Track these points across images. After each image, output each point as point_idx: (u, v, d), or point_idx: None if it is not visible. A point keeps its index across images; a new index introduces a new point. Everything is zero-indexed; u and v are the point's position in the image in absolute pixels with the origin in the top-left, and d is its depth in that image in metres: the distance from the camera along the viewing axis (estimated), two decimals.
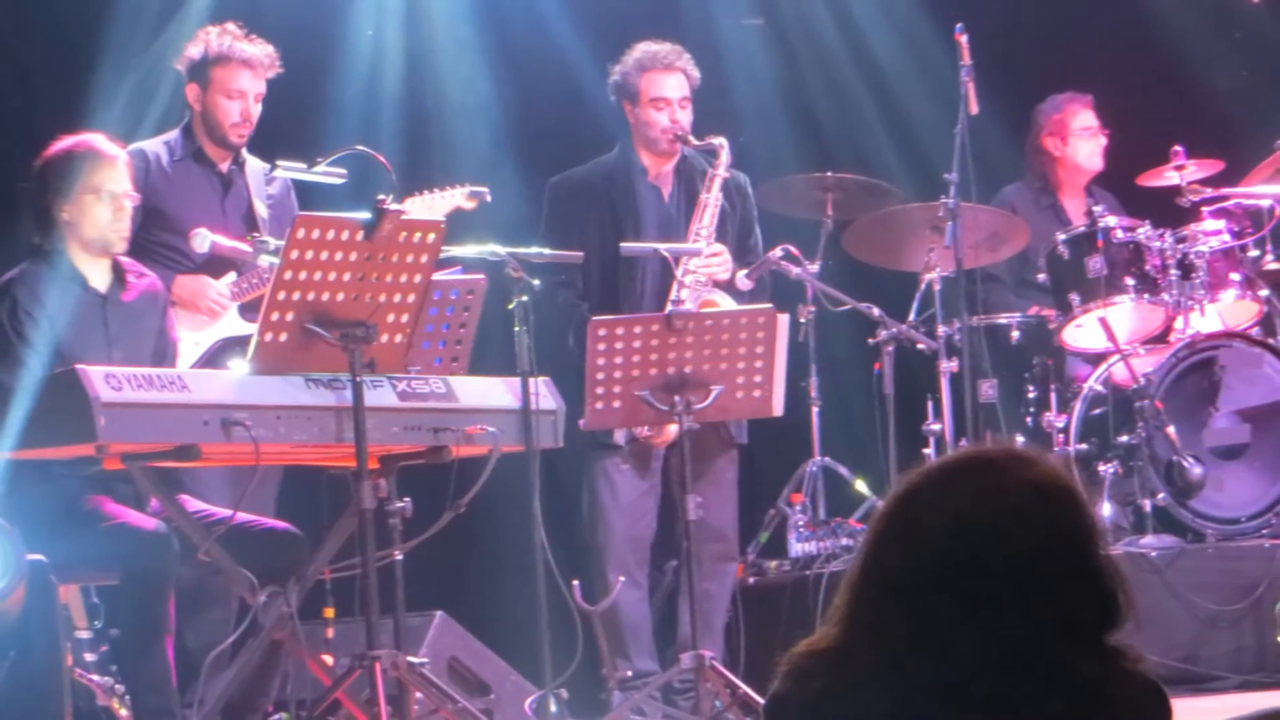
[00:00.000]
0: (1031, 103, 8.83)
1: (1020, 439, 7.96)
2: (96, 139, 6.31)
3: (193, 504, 6.10)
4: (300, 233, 5.82)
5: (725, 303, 7.40)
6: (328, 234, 5.84)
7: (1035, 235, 8.34)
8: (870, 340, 8.11)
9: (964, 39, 7.94)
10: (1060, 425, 8.03)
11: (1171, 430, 7.86)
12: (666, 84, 7.60)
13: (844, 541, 8.01)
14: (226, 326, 6.90)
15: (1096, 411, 8.01)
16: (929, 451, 7.94)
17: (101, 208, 6.17)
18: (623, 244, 7.38)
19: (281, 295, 5.82)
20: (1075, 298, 8.06)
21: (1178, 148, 8.27)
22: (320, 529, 6.18)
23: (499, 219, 7.36)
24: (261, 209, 7.14)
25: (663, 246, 7.39)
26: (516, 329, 6.27)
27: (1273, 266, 8.16)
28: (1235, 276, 8.09)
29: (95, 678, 6.59)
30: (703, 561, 7.12)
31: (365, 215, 5.87)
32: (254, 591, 5.92)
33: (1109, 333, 8.02)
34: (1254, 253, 8.11)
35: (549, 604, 6.28)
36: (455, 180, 7.15)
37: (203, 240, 6.88)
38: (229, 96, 7.07)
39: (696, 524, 6.88)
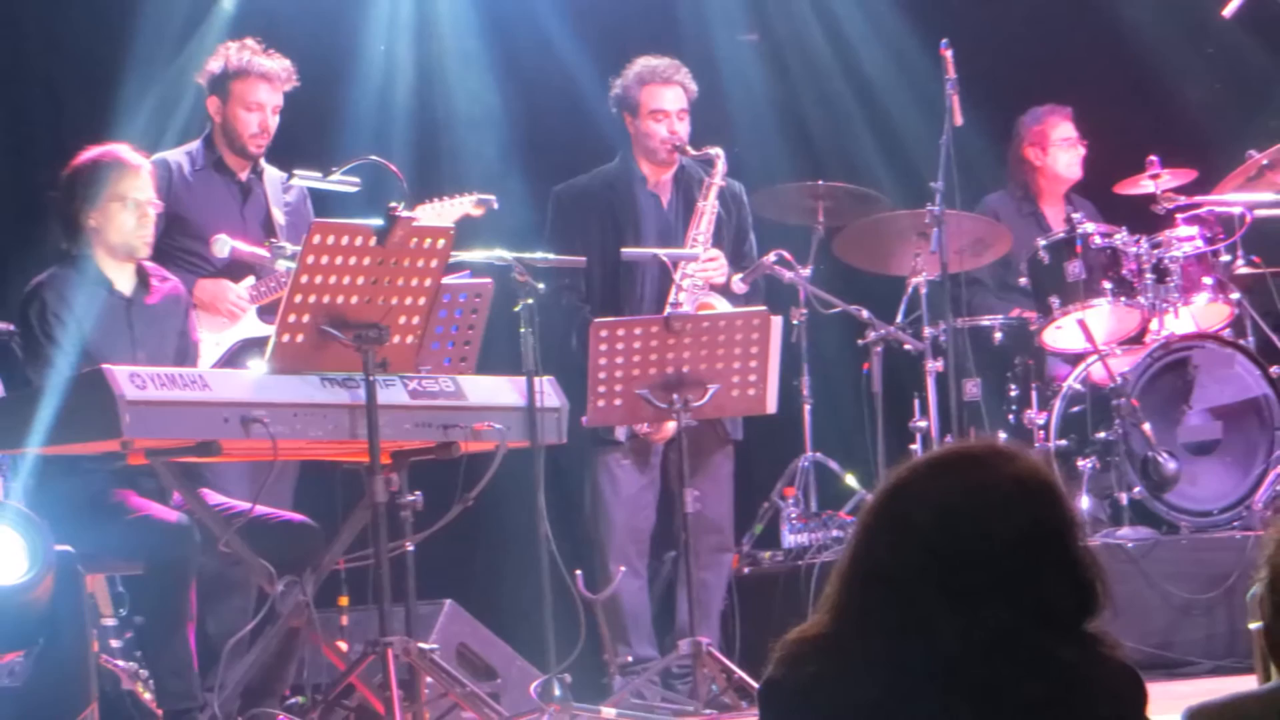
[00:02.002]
0: (1013, 115, 8.83)
1: (1003, 435, 7.95)
2: (122, 149, 6.31)
3: (213, 497, 6.10)
4: (316, 239, 5.82)
5: (721, 305, 7.40)
6: (342, 240, 5.84)
7: (1017, 241, 8.34)
8: (859, 341, 8.12)
9: (949, 54, 7.94)
10: (1041, 422, 8.03)
11: (1147, 427, 7.86)
12: (665, 97, 7.60)
13: (835, 533, 8.01)
14: (246, 328, 6.90)
15: (1075, 409, 8.01)
16: (915, 447, 7.94)
17: (127, 215, 6.17)
18: (623, 249, 7.38)
19: (298, 298, 5.82)
20: (1055, 300, 8.06)
21: (1153, 157, 8.27)
22: (335, 521, 6.18)
23: (505, 225, 7.36)
24: (279, 216, 7.14)
25: (662, 252, 7.39)
26: (522, 330, 6.27)
27: (1244, 271, 8.15)
28: (1208, 280, 8.09)
29: (120, 663, 6.59)
30: (700, 552, 7.12)
31: (378, 222, 5.87)
32: (272, 581, 5.92)
33: (1087, 334, 8.02)
34: (1225, 258, 8.10)
35: (553, 593, 6.28)
36: (464, 189, 7.15)
37: (223, 246, 6.89)
38: (248, 109, 7.07)
39: (694, 516, 6.89)
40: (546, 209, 7.74)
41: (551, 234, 7.60)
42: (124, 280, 6.24)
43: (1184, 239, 8.06)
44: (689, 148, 7.57)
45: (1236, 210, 8.08)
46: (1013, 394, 8.24)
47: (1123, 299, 8.01)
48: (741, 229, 7.76)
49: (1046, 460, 7.42)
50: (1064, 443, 7.97)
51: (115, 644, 6.79)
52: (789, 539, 8.11)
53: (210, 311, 6.89)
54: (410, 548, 6.12)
